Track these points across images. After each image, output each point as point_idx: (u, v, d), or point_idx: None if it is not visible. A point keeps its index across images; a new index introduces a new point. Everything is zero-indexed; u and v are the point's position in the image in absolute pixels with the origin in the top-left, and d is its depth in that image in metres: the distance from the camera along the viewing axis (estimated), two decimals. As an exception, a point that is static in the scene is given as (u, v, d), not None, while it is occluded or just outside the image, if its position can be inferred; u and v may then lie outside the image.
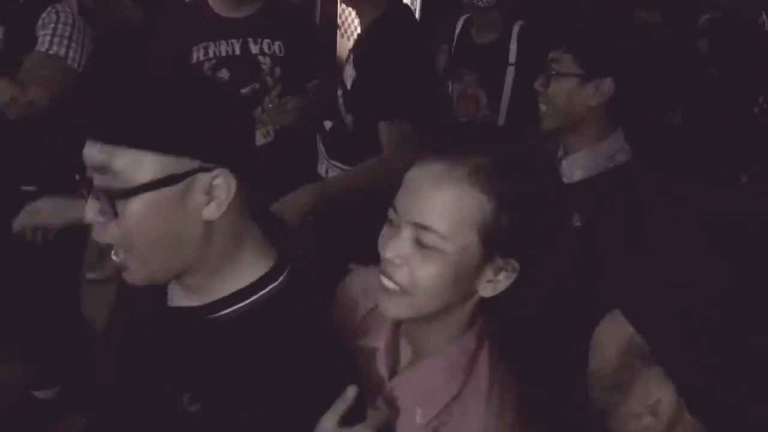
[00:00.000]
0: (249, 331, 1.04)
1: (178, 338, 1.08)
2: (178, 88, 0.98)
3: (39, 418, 2.74)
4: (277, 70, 2.35)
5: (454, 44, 2.92)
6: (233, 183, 0.99)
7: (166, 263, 1.01)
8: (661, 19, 3.24)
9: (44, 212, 1.68)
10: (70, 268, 2.54)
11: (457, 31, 2.93)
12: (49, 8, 2.30)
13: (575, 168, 1.83)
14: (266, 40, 2.34)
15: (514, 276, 1.06)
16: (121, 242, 0.97)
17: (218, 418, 1.03)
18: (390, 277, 1.06)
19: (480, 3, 2.72)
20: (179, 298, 1.10)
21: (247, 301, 1.06)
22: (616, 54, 1.78)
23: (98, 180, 0.95)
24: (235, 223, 1.03)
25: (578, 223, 1.72)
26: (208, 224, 1.00)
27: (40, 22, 2.28)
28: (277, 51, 2.35)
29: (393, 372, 1.16)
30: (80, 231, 2.27)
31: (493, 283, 1.07)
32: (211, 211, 0.99)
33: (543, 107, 1.87)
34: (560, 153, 1.89)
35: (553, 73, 1.82)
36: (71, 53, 2.27)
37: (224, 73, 2.34)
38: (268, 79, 2.35)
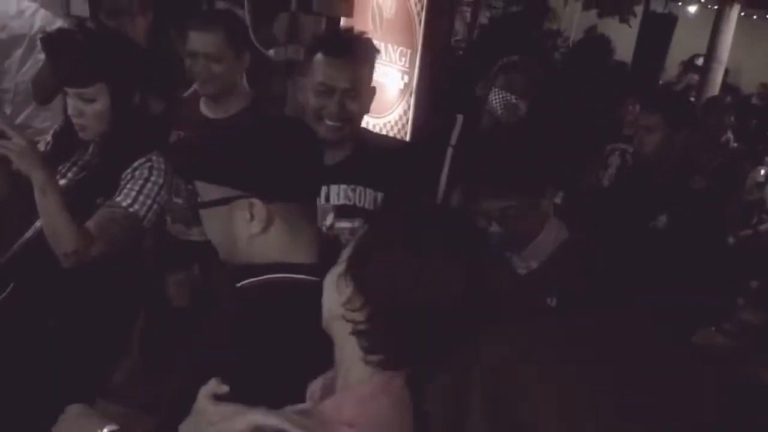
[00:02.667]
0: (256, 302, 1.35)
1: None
2: (232, 140, 1.42)
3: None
4: None
5: (454, 143, 3.11)
6: (262, 209, 1.35)
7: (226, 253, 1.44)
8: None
9: None
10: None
11: (458, 130, 3.14)
12: (144, 160, 2.16)
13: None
14: None
15: None
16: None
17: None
18: None
19: (510, 119, 3.00)
20: None
21: (256, 278, 1.37)
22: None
23: None
24: (280, 241, 1.38)
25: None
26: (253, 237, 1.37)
27: (129, 171, 2.14)
28: None
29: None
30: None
31: None
32: (254, 227, 1.36)
33: None
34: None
35: None
36: (149, 215, 2.13)
37: None
38: None
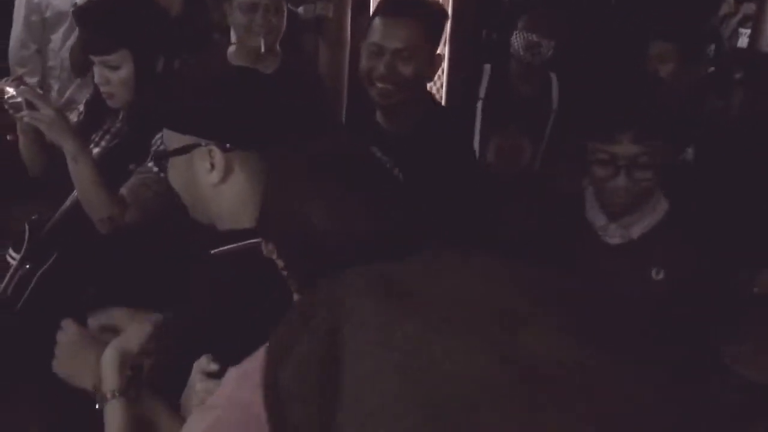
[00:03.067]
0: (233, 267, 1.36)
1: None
2: (193, 88, 1.49)
3: None
4: None
5: (483, 95, 3.00)
6: (221, 157, 1.37)
7: (192, 207, 1.49)
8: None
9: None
10: None
11: (486, 81, 3.02)
12: None
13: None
14: None
15: None
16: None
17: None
18: None
19: (534, 60, 2.88)
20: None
21: (230, 246, 1.38)
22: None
23: None
24: (241, 191, 1.39)
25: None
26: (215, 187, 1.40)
27: (159, 136, 2.10)
28: None
29: None
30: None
31: None
32: (214, 176, 1.39)
33: None
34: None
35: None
36: None
37: None
38: None
